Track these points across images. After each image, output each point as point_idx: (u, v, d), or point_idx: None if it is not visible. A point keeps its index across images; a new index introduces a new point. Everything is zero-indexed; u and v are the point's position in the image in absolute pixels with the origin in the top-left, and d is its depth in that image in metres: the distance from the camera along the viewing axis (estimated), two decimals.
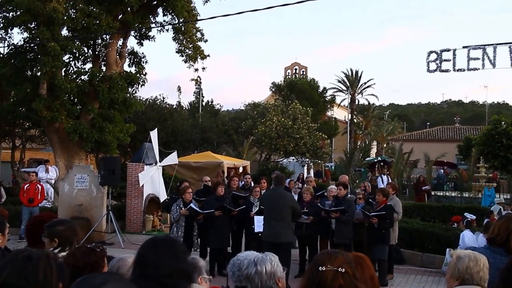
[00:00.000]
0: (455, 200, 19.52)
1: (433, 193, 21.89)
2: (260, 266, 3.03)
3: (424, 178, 22.50)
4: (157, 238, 2.54)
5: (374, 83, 66.79)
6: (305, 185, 11.80)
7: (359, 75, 55.02)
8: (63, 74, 16.65)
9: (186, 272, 2.30)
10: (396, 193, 10.60)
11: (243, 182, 12.65)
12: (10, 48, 17.01)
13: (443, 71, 15.37)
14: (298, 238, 9.69)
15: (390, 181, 20.49)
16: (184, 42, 18.36)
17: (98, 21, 15.91)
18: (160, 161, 15.66)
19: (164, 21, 18.39)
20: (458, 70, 15.13)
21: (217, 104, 39.26)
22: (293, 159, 29.97)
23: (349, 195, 9.90)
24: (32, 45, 16.53)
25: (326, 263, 2.15)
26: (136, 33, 18.44)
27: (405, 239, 11.19)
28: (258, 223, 9.03)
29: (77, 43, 16.66)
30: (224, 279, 8.90)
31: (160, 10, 17.98)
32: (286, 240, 8.51)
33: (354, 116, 54.40)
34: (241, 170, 20.01)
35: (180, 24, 17.91)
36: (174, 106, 33.54)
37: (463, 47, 15.20)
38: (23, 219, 13.44)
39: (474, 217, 10.47)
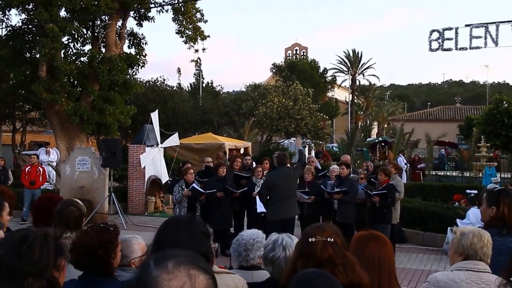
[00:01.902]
0: (456, 179, 19.54)
1: (434, 172, 21.93)
2: (289, 251, 2.98)
3: (419, 157, 22.64)
4: (177, 217, 2.43)
5: (375, 63, 66.64)
6: (306, 165, 11.76)
7: (359, 55, 54.76)
8: (62, 56, 16.54)
9: (205, 256, 2.13)
10: (398, 173, 10.64)
11: (243, 163, 12.60)
12: (8, 29, 16.88)
13: (445, 50, 15.27)
14: (300, 218, 9.70)
15: (404, 161, 20.71)
16: (184, 23, 18.23)
17: (96, 2, 15.77)
18: (161, 143, 15.65)
19: (163, 1, 18.23)
20: (460, 49, 15.03)
21: (218, 85, 39.18)
22: (294, 140, 29.97)
23: (351, 175, 9.90)
24: (30, 26, 16.40)
25: (316, 235, 2.22)
26: (135, 14, 18.28)
27: (407, 218, 11.22)
28: (260, 203, 9.04)
29: (76, 24, 16.52)
30: (227, 259, 8.93)
31: None
32: (293, 215, 8.71)
33: (355, 97, 54.25)
34: (242, 151, 20.00)
35: (180, 4, 17.74)
36: (174, 88, 33.41)
37: (466, 25, 15.07)
38: (25, 202, 13.47)
39: (476, 191, 10.47)
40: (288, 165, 9.21)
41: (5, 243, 1.80)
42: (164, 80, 31.48)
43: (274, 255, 3.04)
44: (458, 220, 9.70)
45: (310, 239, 2.20)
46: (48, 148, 18.80)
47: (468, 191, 10.72)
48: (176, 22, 18.31)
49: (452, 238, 3.34)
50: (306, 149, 32.12)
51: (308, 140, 30.09)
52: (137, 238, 3.35)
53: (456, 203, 12.59)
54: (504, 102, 21.81)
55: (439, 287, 3.17)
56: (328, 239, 2.19)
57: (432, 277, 3.27)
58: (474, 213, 9.10)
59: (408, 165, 21.01)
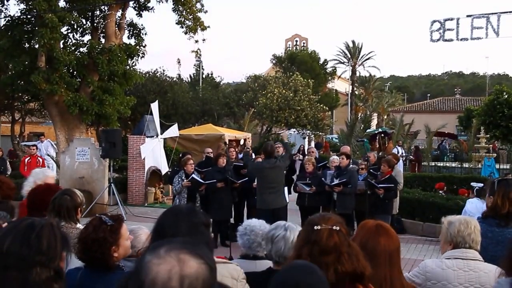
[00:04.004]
0: (455, 170, 19.54)
1: (433, 163, 21.99)
2: (289, 233, 3.04)
3: (417, 148, 22.99)
4: (178, 207, 2.42)
5: (375, 55, 66.51)
6: (307, 156, 11.76)
7: (360, 46, 54.57)
8: (61, 46, 16.47)
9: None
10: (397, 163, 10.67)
11: (243, 154, 12.60)
12: (7, 20, 16.78)
13: (446, 40, 15.17)
14: (300, 208, 9.72)
15: (403, 153, 20.91)
16: (184, 13, 18.15)
17: None
18: (161, 134, 15.64)
19: None
20: (461, 40, 14.94)
21: (218, 76, 39.13)
22: (294, 131, 29.99)
23: (351, 166, 9.90)
24: (29, 16, 16.30)
25: (321, 223, 2.22)
26: (134, 4, 18.18)
27: (406, 209, 11.24)
28: None
29: (75, 14, 16.43)
30: (227, 250, 8.97)
31: None
32: (281, 204, 8.71)
33: (355, 88, 54.17)
34: (242, 142, 19.99)
35: None
36: (174, 79, 33.35)
37: (467, 16, 14.97)
38: None
39: (482, 184, 10.47)
40: (283, 153, 9.22)
41: (11, 232, 1.74)
42: (164, 71, 31.48)
43: (274, 233, 3.09)
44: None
45: (315, 227, 2.20)
46: (41, 138, 18.97)
47: (473, 184, 10.70)
48: (176, 12, 18.24)
49: (442, 228, 3.40)
50: (306, 140, 32.14)
51: (308, 131, 30.09)
52: (143, 229, 3.35)
53: (440, 191, 12.64)
54: (504, 93, 21.80)
55: (427, 272, 3.26)
56: (334, 227, 2.19)
57: (422, 264, 3.36)
58: (473, 203, 9.08)
59: (405, 155, 21.34)
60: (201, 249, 1.37)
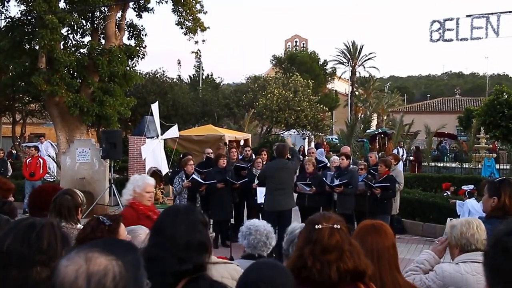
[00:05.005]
0: (455, 170, 19.53)
1: (433, 164, 22.01)
2: None
3: (418, 149, 23.13)
4: (176, 206, 2.43)
5: (375, 56, 66.54)
6: (307, 157, 11.77)
7: (359, 47, 54.60)
8: (61, 47, 16.48)
9: (204, 245, 2.19)
10: (397, 163, 10.68)
11: (243, 155, 12.62)
12: (7, 21, 16.79)
13: (446, 40, 15.18)
14: (300, 208, 9.73)
15: (404, 153, 21.02)
16: (184, 14, 18.16)
17: None
18: (161, 135, 15.64)
19: None
20: (461, 40, 14.95)
21: (218, 77, 39.15)
22: (294, 132, 30.01)
23: (351, 166, 9.91)
24: (29, 18, 16.32)
25: (322, 222, 2.22)
26: (134, 5, 18.19)
27: (407, 209, 11.25)
28: (261, 194, 9.06)
29: (75, 15, 16.45)
30: (227, 250, 8.99)
31: None
32: (287, 207, 8.65)
33: (355, 89, 54.17)
34: (242, 143, 20.00)
35: None
36: (174, 80, 33.37)
37: (467, 16, 14.99)
38: (26, 193, 13.49)
39: (472, 186, 10.53)
40: (289, 156, 9.16)
41: (12, 231, 1.76)
42: (164, 72, 31.45)
43: None
44: (458, 202, 9.71)
45: (316, 226, 2.21)
46: (41, 139, 19.01)
47: (464, 187, 10.76)
48: (175, 13, 18.25)
49: (447, 232, 3.39)
50: (306, 140, 32.18)
51: (308, 132, 30.12)
52: (143, 228, 3.36)
53: (447, 192, 12.64)
54: (504, 93, 21.83)
55: (445, 277, 3.18)
56: (335, 226, 2.20)
57: (439, 267, 3.27)
58: (472, 204, 9.13)
59: (406, 156, 21.47)
60: (118, 246, 1.37)
